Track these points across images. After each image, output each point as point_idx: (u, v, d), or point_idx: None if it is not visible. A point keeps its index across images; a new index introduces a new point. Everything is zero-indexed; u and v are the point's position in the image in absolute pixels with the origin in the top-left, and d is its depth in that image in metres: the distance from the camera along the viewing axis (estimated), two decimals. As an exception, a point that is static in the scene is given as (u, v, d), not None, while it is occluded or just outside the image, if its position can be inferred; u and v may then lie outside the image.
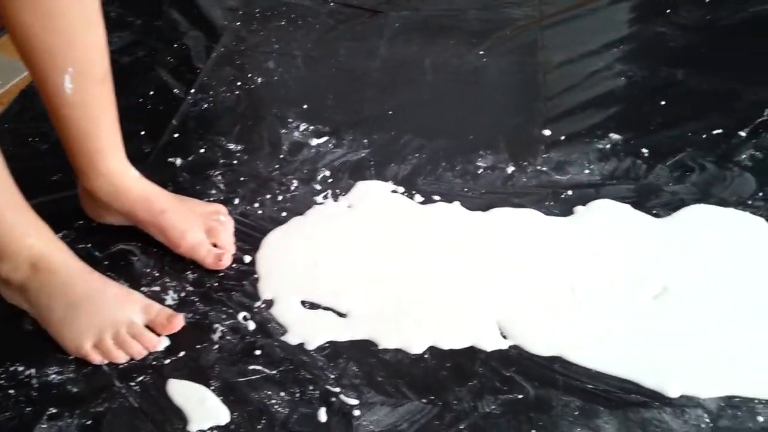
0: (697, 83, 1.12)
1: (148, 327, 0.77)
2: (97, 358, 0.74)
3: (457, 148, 1.01)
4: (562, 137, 1.02)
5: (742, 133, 1.01)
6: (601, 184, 0.95)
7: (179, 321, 0.77)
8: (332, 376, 0.74)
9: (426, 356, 0.76)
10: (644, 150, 0.99)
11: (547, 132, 1.03)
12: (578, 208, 0.91)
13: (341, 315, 0.80)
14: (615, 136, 1.02)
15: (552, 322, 0.78)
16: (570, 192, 0.94)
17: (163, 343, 0.76)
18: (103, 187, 0.83)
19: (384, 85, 1.14)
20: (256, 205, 0.93)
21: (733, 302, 0.80)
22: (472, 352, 0.76)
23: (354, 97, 1.11)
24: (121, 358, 0.75)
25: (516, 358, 0.75)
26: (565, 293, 0.81)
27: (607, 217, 0.90)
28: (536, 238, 0.88)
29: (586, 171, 0.97)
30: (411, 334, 0.77)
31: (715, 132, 1.02)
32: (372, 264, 0.85)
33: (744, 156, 0.98)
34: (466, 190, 0.95)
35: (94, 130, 0.78)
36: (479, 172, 0.97)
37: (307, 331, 0.78)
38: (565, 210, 0.91)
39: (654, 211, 0.90)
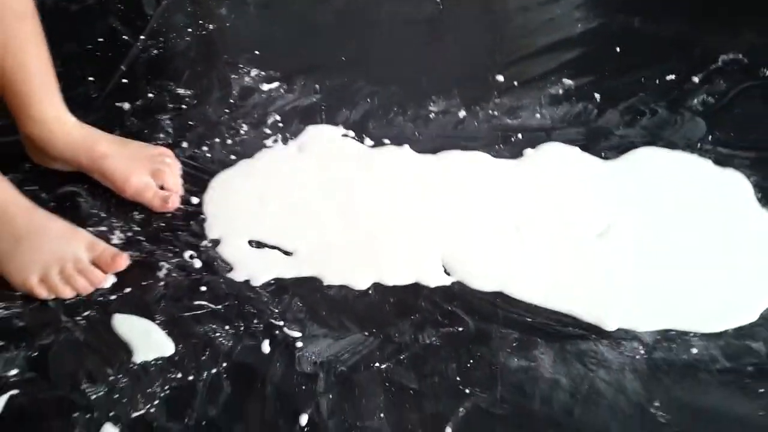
0: (653, 30, 1.12)
1: (94, 264, 0.77)
2: (42, 293, 0.74)
3: (410, 94, 1.01)
4: (515, 83, 1.02)
5: (696, 79, 1.02)
6: (551, 128, 0.95)
7: (124, 260, 0.77)
8: (276, 311, 0.74)
9: (370, 292, 0.77)
10: (596, 95, 1.00)
11: (500, 78, 1.03)
12: (527, 151, 0.92)
13: (287, 253, 0.80)
14: (568, 82, 1.02)
15: (495, 259, 0.80)
16: (520, 135, 0.94)
17: (109, 280, 0.77)
18: (40, 133, 0.82)
19: (338, 33, 1.13)
20: (205, 148, 0.92)
21: (675, 241, 0.82)
22: (415, 288, 0.77)
23: (307, 45, 1.10)
24: (67, 293, 0.75)
25: (458, 293, 0.76)
26: (510, 231, 0.82)
27: (556, 159, 0.91)
28: (484, 179, 0.88)
29: (537, 115, 0.97)
30: (356, 271, 0.78)
31: (668, 78, 1.02)
32: (319, 204, 0.85)
33: (696, 101, 0.99)
34: (417, 134, 0.95)
35: (22, 71, 0.77)
36: (431, 116, 0.97)
37: (252, 269, 0.78)
38: (515, 153, 0.92)
39: (603, 154, 0.91)
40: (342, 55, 1.07)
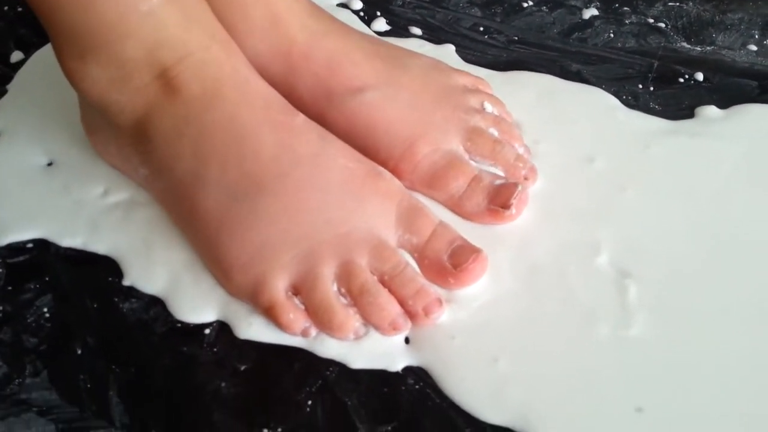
0: None
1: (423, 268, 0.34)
2: (294, 319, 0.31)
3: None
4: (720, -19, 0.50)
5: None
6: (775, 76, 0.44)
7: (483, 263, 0.33)
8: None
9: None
10: None
11: (691, -32, 0.52)
12: (706, 110, 0.41)
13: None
14: (836, 0, 0.49)
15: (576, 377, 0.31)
16: (700, 76, 0.43)
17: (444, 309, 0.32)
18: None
19: None
20: None
21: None
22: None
23: None
24: (348, 325, 0.31)
25: None
26: (611, 292, 0.33)
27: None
28: (594, 148, 0.39)
29: (751, 47, 0.45)
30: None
31: None
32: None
33: None
34: (482, 29, 0.47)
35: None
36: (524, 5, 0.49)
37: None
38: (676, 107, 0.42)
39: None
40: None
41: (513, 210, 0.34)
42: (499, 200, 0.34)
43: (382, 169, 0.34)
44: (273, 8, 0.37)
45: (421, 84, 0.38)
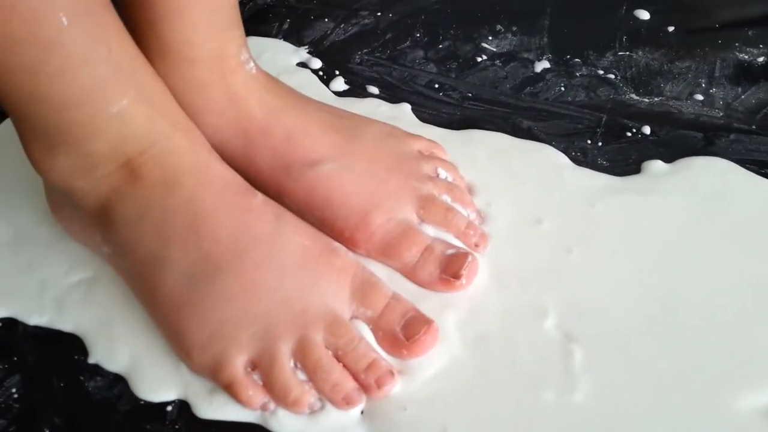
0: None
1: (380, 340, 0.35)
2: (252, 396, 0.32)
3: (451, 16, 0.54)
4: (670, 28, 0.52)
5: None
6: (722, 126, 0.45)
7: (435, 335, 0.34)
8: None
9: None
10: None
11: (643, 15, 0.53)
12: (652, 165, 0.43)
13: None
14: (781, 45, 0.50)
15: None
16: (647, 130, 0.45)
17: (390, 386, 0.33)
18: (179, 83, 0.37)
19: None
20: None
21: None
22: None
23: None
24: (303, 401, 0.32)
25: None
26: (556, 357, 0.35)
27: (718, 197, 0.41)
28: (542, 209, 0.40)
29: (698, 96, 0.47)
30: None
31: None
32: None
33: None
34: (437, 86, 0.48)
35: None
36: (479, 60, 0.50)
37: None
38: (623, 162, 0.43)
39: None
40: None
41: (463, 280, 0.36)
42: (450, 270, 0.36)
43: (337, 245, 0.35)
44: (231, 87, 0.38)
45: (376, 153, 0.39)
